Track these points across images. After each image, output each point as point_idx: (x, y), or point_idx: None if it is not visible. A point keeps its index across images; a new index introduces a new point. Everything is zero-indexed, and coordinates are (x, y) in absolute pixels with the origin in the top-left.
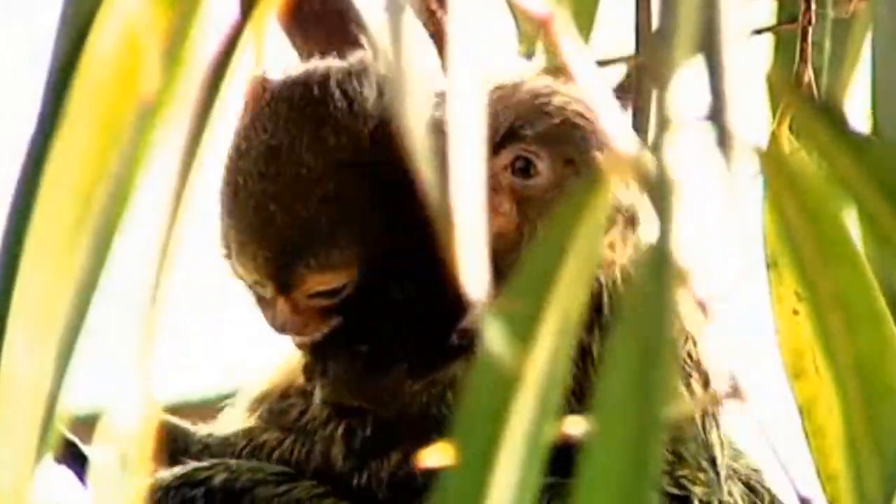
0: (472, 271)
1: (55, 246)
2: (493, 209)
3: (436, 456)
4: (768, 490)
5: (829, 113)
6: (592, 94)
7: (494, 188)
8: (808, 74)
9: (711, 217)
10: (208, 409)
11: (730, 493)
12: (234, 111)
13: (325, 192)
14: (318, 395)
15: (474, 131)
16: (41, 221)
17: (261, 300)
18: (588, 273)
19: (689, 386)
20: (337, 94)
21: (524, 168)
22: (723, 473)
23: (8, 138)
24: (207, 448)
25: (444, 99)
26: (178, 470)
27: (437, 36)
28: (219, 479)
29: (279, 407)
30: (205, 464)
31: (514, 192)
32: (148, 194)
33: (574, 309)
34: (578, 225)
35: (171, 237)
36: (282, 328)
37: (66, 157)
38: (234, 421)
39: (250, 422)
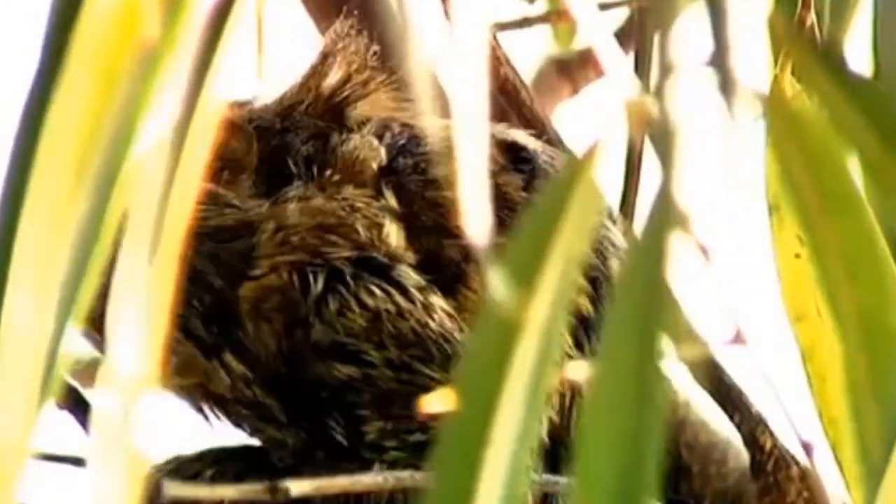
0: (475, 218)
1: (56, 193)
2: None
3: (438, 402)
4: (771, 435)
5: (831, 57)
6: (594, 37)
7: None
8: (811, 18)
9: (713, 161)
10: None
11: None
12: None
13: None
14: None
15: (477, 79)
16: (42, 169)
17: None
18: (589, 222)
19: None
20: None
21: None
22: None
23: (8, 87)
24: None
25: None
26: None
27: None
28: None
29: None
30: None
31: None
32: (149, 143)
33: (576, 255)
34: (578, 179)
35: (171, 186)
36: None
37: (66, 106)
38: None
39: None
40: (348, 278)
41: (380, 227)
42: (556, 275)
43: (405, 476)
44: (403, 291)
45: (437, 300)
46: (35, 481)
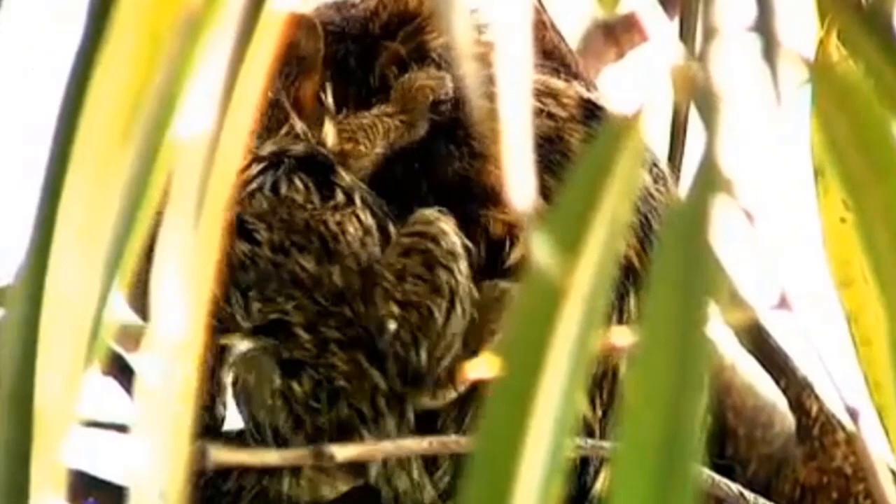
0: (519, 184)
1: (101, 158)
2: None
3: (483, 367)
4: (817, 399)
5: (877, 22)
6: (638, 2)
7: None
8: None
9: (758, 126)
10: None
11: None
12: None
13: None
14: None
15: (520, 41)
16: (87, 134)
17: None
18: (632, 187)
19: None
20: None
21: None
22: None
23: (55, 53)
24: None
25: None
26: None
27: None
28: None
29: None
30: None
31: None
32: (194, 106)
33: (620, 220)
34: (622, 143)
35: (216, 150)
36: None
37: (112, 70)
38: None
39: None
40: (280, 170)
41: (320, 127)
42: (601, 240)
43: (450, 440)
44: (322, 187)
45: (364, 207)
46: (80, 448)
